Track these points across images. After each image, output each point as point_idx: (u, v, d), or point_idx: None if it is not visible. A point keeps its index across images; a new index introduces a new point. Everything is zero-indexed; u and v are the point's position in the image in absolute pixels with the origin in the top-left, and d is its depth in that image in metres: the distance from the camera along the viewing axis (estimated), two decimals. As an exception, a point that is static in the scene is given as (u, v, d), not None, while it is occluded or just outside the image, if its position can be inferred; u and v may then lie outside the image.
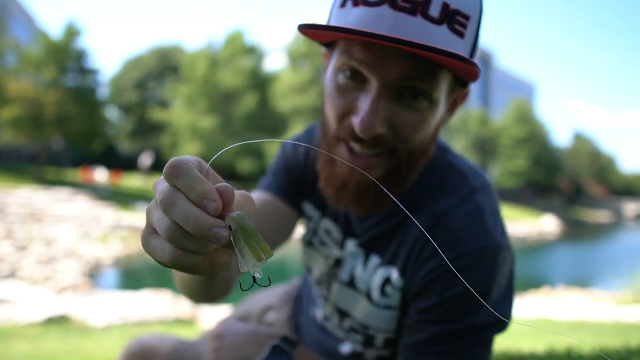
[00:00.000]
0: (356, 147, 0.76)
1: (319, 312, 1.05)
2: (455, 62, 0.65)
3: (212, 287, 0.74)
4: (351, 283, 0.93)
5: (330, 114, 0.78)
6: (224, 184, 0.44)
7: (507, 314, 0.82)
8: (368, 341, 0.93)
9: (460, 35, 0.70)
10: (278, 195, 0.96)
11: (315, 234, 0.99)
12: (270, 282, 0.46)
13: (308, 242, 1.02)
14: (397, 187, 0.80)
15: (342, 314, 0.96)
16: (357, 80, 0.74)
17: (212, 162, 0.48)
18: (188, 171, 0.42)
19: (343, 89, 0.75)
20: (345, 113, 0.75)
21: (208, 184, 0.42)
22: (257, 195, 0.96)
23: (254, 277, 0.44)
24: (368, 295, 0.90)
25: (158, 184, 0.44)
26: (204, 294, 0.77)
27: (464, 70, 0.69)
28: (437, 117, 0.77)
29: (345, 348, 0.99)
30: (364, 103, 0.71)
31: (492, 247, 0.79)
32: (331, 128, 0.78)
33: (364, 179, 0.76)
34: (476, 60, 0.74)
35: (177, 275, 0.74)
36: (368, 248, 0.91)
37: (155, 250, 0.44)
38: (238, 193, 0.45)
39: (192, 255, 0.43)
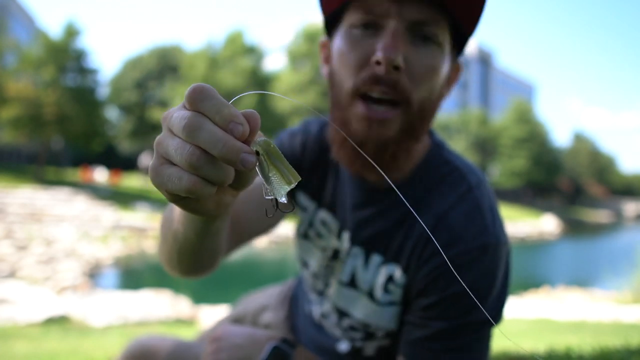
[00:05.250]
0: (374, 93, 0.75)
1: (316, 310, 1.05)
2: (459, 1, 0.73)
3: (206, 242, 0.65)
4: (352, 283, 0.93)
5: (345, 72, 0.78)
6: (249, 110, 0.42)
7: (504, 307, 0.84)
8: (368, 337, 0.94)
9: None
10: None
11: (312, 225, 0.99)
12: (294, 208, 0.45)
13: (304, 234, 1.01)
14: (412, 145, 0.81)
15: (342, 313, 0.96)
16: (372, 29, 0.76)
17: None
18: (214, 95, 0.40)
19: (358, 42, 0.77)
20: (362, 62, 0.76)
21: (234, 108, 0.41)
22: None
23: (277, 203, 0.43)
24: (370, 294, 0.90)
25: (173, 111, 0.42)
26: (195, 252, 0.68)
27: (466, 8, 0.75)
28: (444, 68, 0.79)
29: (343, 346, 0.99)
30: (383, 38, 0.74)
31: (493, 244, 0.80)
32: (346, 87, 0.78)
33: (381, 134, 0.77)
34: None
35: (165, 245, 0.71)
36: (368, 247, 0.91)
37: (171, 180, 0.41)
38: None
39: (210, 186, 0.41)
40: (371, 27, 0.76)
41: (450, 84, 0.86)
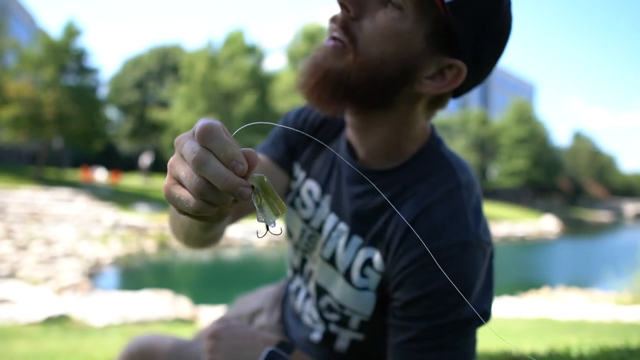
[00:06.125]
0: (333, 33, 0.82)
1: (300, 295, 1.05)
2: None
3: (209, 233, 0.82)
4: (332, 260, 0.93)
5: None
6: (249, 149, 0.50)
7: (489, 307, 0.84)
8: (343, 322, 0.94)
9: None
10: (273, 159, 1.01)
11: (298, 194, 1.01)
12: (282, 231, 0.54)
13: (290, 202, 1.03)
14: (349, 94, 0.83)
15: (321, 291, 0.96)
16: None
17: None
18: (219, 135, 0.47)
19: None
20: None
21: (237, 147, 0.48)
22: None
23: (267, 227, 0.51)
24: (346, 276, 0.90)
25: (185, 140, 0.49)
26: (200, 238, 0.85)
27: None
28: (405, 39, 0.78)
29: (316, 335, 0.99)
30: None
31: (473, 243, 0.80)
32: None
33: (327, 60, 0.82)
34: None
35: (175, 221, 0.85)
36: (352, 227, 0.91)
37: (180, 200, 0.50)
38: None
39: (212, 207, 0.49)
40: None
41: (440, 83, 0.82)
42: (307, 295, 1.03)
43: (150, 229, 13.63)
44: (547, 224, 29.48)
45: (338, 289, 0.92)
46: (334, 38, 0.81)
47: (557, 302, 6.83)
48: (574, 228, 32.60)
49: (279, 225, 0.52)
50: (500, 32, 0.80)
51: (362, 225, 0.90)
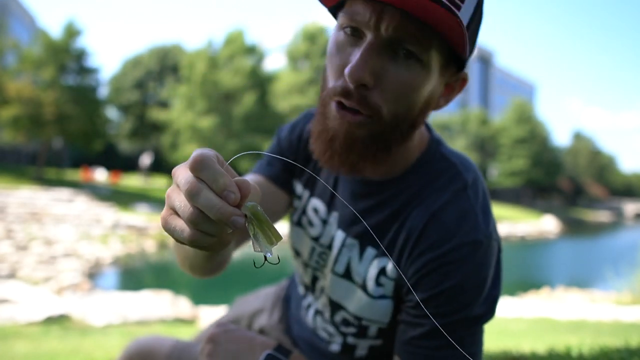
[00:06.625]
0: (346, 103, 0.77)
1: (310, 310, 1.05)
2: (442, 25, 0.68)
3: (213, 262, 0.81)
4: (347, 274, 0.93)
5: (329, 73, 0.80)
6: (241, 178, 0.50)
7: (496, 304, 0.85)
8: (361, 333, 0.94)
9: (457, 7, 0.71)
10: (270, 178, 1.00)
11: (304, 212, 1.01)
12: (279, 261, 0.54)
13: (297, 221, 1.03)
14: (381, 153, 0.81)
15: (335, 306, 0.96)
16: (355, 37, 0.76)
17: None
18: (211, 165, 0.48)
19: (341, 46, 0.77)
20: (341, 70, 0.77)
21: (228, 177, 0.48)
22: (251, 177, 0.99)
23: (265, 257, 0.50)
24: (363, 287, 0.91)
25: (180, 172, 0.50)
26: (205, 267, 0.84)
27: (451, 31, 0.71)
28: (427, 86, 0.78)
29: (336, 345, 0.99)
30: (357, 55, 0.74)
31: (485, 241, 0.81)
32: (327, 87, 0.80)
33: (350, 134, 0.78)
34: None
35: (179, 251, 0.83)
36: (363, 239, 0.91)
37: (176, 231, 0.50)
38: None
39: (208, 237, 0.50)
40: (355, 33, 0.76)
41: (449, 95, 0.86)
42: (317, 312, 1.03)
43: (150, 229, 13.63)
44: (547, 224, 29.47)
45: (354, 302, 0.92)
46: (353, 110, 0.77)
47: (557, 302, 6.83)
48: (574, 228, 32.59)
49: (276, 254, 0.52)
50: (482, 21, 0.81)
51: (373, 237, 0.90)
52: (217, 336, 0.89)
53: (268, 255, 0.50)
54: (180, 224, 0.50)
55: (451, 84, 0.84)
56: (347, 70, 0.73)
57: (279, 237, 0.51)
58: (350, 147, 0.79)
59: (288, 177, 1.02)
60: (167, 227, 0.51)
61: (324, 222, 0.97)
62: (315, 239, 0.99)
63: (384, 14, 0.71)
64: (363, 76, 0.73)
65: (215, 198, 0.47)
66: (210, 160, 0.48)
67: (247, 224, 0.50)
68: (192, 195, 0.47)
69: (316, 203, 0.99)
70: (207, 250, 0.53)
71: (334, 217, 0.96)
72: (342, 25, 0.77)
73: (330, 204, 0.97)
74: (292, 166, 1.02)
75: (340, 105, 0.78)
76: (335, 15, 0.83)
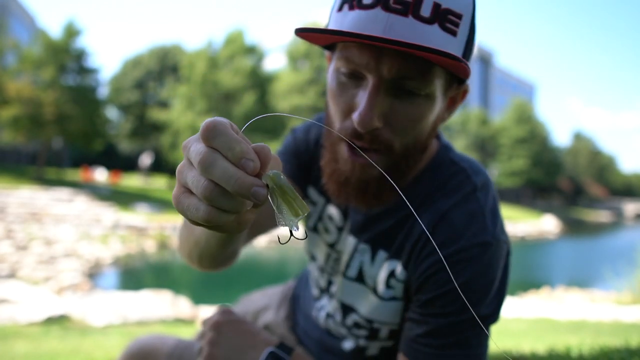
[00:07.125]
0: (357, 143, 0.78)
1: (322, 312, 1.05)
2: (445, 59, 0.67)
3: (226, 249, 0.76)
4: (359, 278, 0.94)
5: (333, 114, 0.81)
6: (260, 143, 0.44)
7: (502, 305, 0.86)
8: (373, 335, 0.95)
9: (453, 33, 0.72)
10: (286, 176, 0.99)
11: (321, 219, 1.01)
12: (307, 236, 0.48)
13: (313, 227, 1.03)
14: (396, 183, 0.82)
15: (347, 309, 0.97)
16: (356, 78, 0.76)
17: None
18: (225, 132, 0.43)
19: (343, 88, 0.78)
20: (346, 112, 0.78)
21: (245, 144, 0.43)
22: None
23: (291, 232, 0.45)
24: (374, 289, 0.92)
25: (191, 144, 0.45)
26: (216, 256, 0.79)
27: (455, 67, 0.71)
28: (434, 113, 0.79)
29: (347, 345, 1.00)
30: (362, 99, 0.74)
31: (493, 242, 0.81)
32: (335, 126, 0.81)
33: (364, 176, 0.80)
34: (473, 59, 0.75)
35: (189, 238, 0.78)
36: (375, 243, 0.92)
37: (190, 209, 0.45)
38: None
39: (226, 214, 0.44)
40: (355, 76, 0.76)
41: (453, 107, 0.87)
42: (328, 315, 1.03)
43: (150, 229, 13.63)
44: (547, 224, 29.46)
45: (366, 305, 0.93)
46: (364, 149, 0.78)
47: (557, 302, 6.83)
48: (574, 228, 32.58)
49: (302, 229, 0.47)
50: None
51: (385, 241, 0.91)
52: (222, 325, 0.88)
53: (294, 229, 0.45)
54: (195, 202, 0.44)
55: (454, 96, 0.85)
56: (356, 118, 0.74)
57: (305, 208, 0.45)
58: (364, 189, 0.81)
59: (303, 178, 1.02)
60: (180, 206, 0.45)
61: (339, 229, 0.98)
62: (331, 246, 1.00)
63: (382, 56, 0.71)
64: (373, 123, 0.74)
65: (232, 168, 0.42)
66: (224, 126, 0.43)
67: (269, 196, 0.44)
68: (205, 166, 0.42)
69: (332, 210, 0.99)
70: (224, 231, 0.48)
71: (349, 223, 0.97)
72: (340, 70, 0.77)
73: (346, 212, 0.97)
74: (307, 166, 1.02)
75: (350, 147, 0.78)
76: (327, 47, 0.84)
